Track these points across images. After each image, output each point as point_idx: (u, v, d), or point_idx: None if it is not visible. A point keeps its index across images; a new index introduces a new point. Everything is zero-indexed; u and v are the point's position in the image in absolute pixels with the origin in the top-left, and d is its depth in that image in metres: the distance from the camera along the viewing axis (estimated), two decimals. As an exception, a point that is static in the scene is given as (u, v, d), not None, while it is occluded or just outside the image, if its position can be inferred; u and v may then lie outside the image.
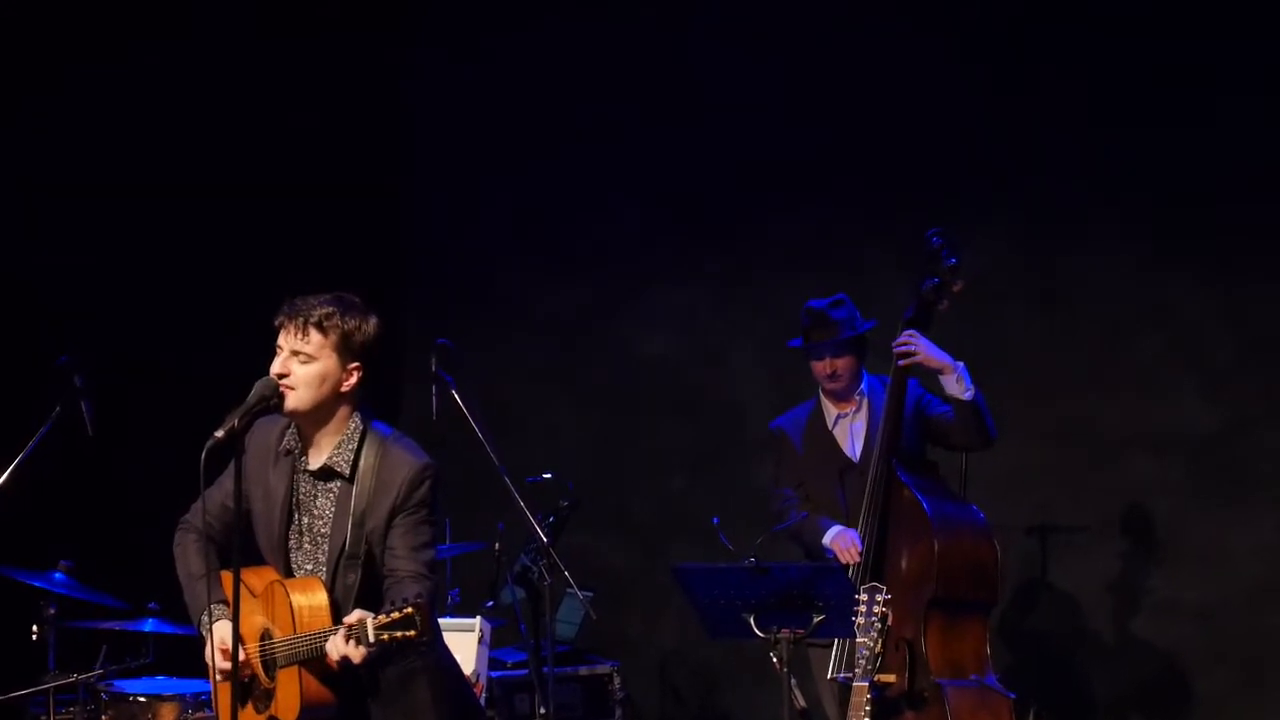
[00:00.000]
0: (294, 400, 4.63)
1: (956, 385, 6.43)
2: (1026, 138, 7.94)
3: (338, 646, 4.46)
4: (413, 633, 4.38)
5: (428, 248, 9.38)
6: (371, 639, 4.40)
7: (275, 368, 4.64)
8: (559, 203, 9.04)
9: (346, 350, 4.65)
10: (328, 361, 4.64)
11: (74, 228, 8.00)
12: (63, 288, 7.93)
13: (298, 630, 4.58)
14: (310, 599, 4.61)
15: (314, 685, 4.59)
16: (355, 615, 4.48)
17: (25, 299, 7.88)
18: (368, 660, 4.49)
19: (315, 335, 4.63)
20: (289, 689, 4.61)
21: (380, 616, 4.40)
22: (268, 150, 8.55)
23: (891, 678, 6.06)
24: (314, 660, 4.56)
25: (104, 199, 8.07)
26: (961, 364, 6.43)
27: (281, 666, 4.63)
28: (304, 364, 4.63)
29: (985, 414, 6.50)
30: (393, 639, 4.39)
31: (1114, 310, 7.80)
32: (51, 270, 7.92)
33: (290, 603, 4.61)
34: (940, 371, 6.44)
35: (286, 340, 4.65)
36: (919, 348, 6.41)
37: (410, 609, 4.38)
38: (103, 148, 8.06)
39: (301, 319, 4.63)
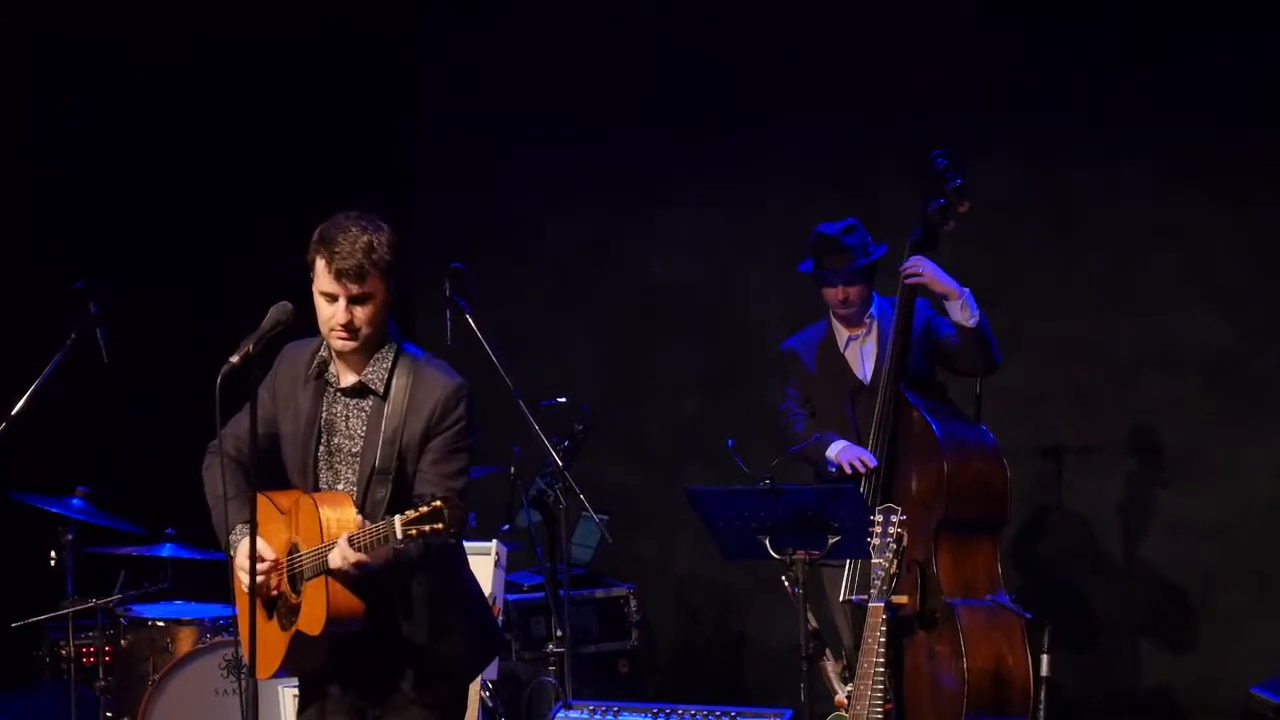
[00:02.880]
0: (362, 340, 4.62)
1: (961, 312, 6.41)
2: (1038, 58, 7.88)
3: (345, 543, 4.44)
4: (440, 525, 4.33)
5: (439, 174, 9.35)
6: (399, 535, 4.36)
7: (339, 320, 4.58)
8: (570, 127, 9.00)
9: (389, 273, 4.63)
10: (380, 292, 4.62)
11: (89, 158, 8.01)
12: (79, 215, 7.94)
13: (325, 542, 4.55)
14: (339, 512, 4.58)
15: (341, 595, 4.54)
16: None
17: (41, 227, 7.89)
18: (387, 564, 4.47)
19: (371, 275, 4.58)
20: (315, 600, 4.58)
21: (409, 513, 4.37)
22: (278, 77, 8.55)
23: (904, 599, 6.06)
24: (341, 572, 4.53)
25: (120, 127, 8.08)
26: (967, 290, 6.40)
27: (308, 579, 4.60)
28: (364, 305, 4.60)
29: (990, 339, 6.47)
30: (420, 533, 4.35)
31: (1128, 230, 7.77)
32: (68, 198, 7.93)
33: (319, 515, 4.58)
34: (945, 297, 6.42)
35: (342, 289, 4.57)
36: (925, 271, 6.40)
37: (439, 502, 4.35)
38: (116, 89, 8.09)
39: (352, 266, 4.55)
